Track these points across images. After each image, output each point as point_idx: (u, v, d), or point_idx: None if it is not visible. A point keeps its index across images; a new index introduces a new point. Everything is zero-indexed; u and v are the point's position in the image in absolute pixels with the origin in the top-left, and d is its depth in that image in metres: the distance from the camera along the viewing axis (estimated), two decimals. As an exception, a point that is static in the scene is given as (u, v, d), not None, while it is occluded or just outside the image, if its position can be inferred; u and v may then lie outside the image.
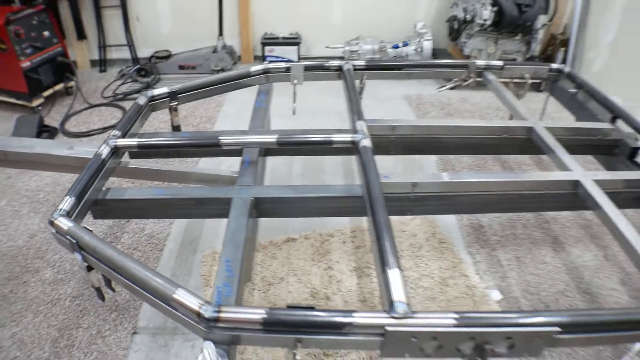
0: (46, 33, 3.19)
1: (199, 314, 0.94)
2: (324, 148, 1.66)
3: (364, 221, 2.17)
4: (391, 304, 0.97)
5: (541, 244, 2.19)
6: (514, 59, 3.70)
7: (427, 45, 3.58)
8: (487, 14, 3.28)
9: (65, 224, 1.20)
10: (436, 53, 3.85)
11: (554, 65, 2.35)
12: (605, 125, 1.96)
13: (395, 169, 2.57)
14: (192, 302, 0.96)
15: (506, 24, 3.36)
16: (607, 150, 1.98)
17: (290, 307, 0.97)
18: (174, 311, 1.00)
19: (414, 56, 3.61)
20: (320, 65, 2.22)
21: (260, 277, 1.85)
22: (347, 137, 1.56)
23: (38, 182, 2.47)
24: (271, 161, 2.60)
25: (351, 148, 1.56)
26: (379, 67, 2.29)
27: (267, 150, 1.77)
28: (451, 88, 2.52)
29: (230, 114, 3.17)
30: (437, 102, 3.39)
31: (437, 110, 3.30)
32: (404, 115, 3.22)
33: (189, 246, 2.04)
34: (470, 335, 0.94)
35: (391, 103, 3.38)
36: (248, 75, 2.14)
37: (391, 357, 1.01)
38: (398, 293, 0.99)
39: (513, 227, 2.27)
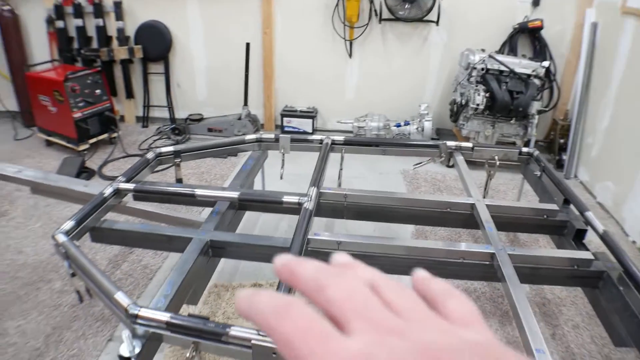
0: (98, 91, 3.78)
1: (126, 310, 1.31)
2: (277, 206, 2.01)
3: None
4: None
5: (489, 316, 2.33)
6: (514, 143, 3.97)
7: (428, 126, 3.92)
8: (479, 99, 3.60)
9: (61, 238, 1.62)
10: (441, 133, 4.20)
11: (524, 149, 2.56)
12: (553, 207, 2.14)
13: (372, 232, 2.85)
14: (124, 301, 1.32)
15: (498, 109, 3.63)
16: (556, 230, 2.17)
17: (190, 315, 1.32)
18: (115, 307, 1.37)
19: (416, 135, 3.96)
20: (304, 139, 2.60)
21: (222, 311, 2.18)
22: (294, 199, 1.91)
23: (69, 212, 2.94)
24: (264, 217, 2.98)
25: (297, 208, 1.91)
26: (355, 143, 2.61)
27: (238, 205, 2.15)
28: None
29: (241, 173, 3.57)
30: (430, 178, 3.69)
31: (428, 185, 3.60)
32: (397, 188, 3.53)
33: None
34: None
35: (388, 177, 3.71)
36: (243, 142, 2.54)
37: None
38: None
39: (466, 297, 2.49)
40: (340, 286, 0.28)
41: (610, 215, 3.31)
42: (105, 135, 3.88)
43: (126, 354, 1.27)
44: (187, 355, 1.27)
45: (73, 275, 1.64)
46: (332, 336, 0.25)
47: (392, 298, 0.28)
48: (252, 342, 1.21)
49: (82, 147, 3.71)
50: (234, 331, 1.23)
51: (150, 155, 2.31)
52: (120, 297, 1.34)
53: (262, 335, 1.22)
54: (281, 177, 2.57)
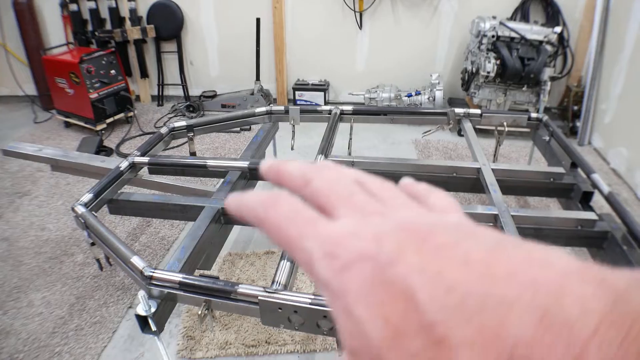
0: (113, 71, 3.85)
1: (141, 272, 1.39)
2: (286, 174, 2.06)
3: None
4: (272, 283, 1.35)
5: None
6: (526, 110, 3.94)
7: (439, 95, 3.92)
8: (490, 66, 3.57)
9: (80, 209, 1.71)
10: (453, 102, 4.19)
11: (533, 115, 2.54)
12: (560, 170, 2.16)
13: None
14: (140, 264, 1.40)
15: (509, 76, 3.61)
16: (563, 193, 2.19)
17: (201, 275, 1.39)
18: (131, 271, 1.45)
19: (427, 105, 3.96)
20: (313, 110, 2.63)
21: (236, 278, 2.27)
22: (302, 167, 1.97)
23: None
24: (276, 189, 3.04)
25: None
26: (364, 112, 2.64)
27: (249, 174, 2.21)
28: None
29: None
30: (442, 147, 3.71)
31: (440, 154, 3.62)
32: (408, 157, 3.55)
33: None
34: (323, 314, 1.23)
35: (400, 146, 3.74)
36: (254, 115, 2.60)
37: (270, 325, 1.37)
38: (280, 276, 1.36)
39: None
40: (325, 178, 0.29)
41: (623, 181, 3.30)
42: (121, 115, 3.96)
43: (142, 313, 1.35)
44: (199, 312, 1.35)
45: (92, 244, 1.73)
46: (319, 219, 0.27)
47: (375, 188, 0.29)
48: (259, 298, 1.28)
49: (100, 127, 3.80)
50: (242, 289, 1.31)
51: (164, 130, 2.38)
52: (136, 261, 1.42)
53: (269, 292, 1.29)
54: (292, 148, 2.63)
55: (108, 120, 3.86)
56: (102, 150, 3.46)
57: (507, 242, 0.23)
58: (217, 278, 1.37)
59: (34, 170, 3.26)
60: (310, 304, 1.25)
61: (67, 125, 4.04)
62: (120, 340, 1.95)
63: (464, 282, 0.21)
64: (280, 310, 1.28)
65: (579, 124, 3.94)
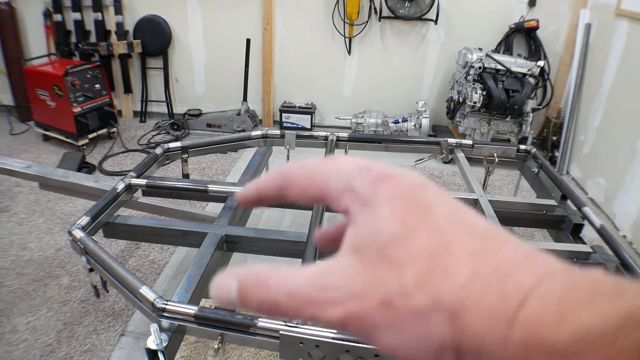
0: (97, 85, 3.77)
1: (153, 304, 1.33)
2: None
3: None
4: (293, 315, 1.32)
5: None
6: (508, 140, 4.05)
7: (425, 122, 3.98)
8: (476, 97, 3.66)
9: (78, 234, 1.64)
10: (437, 129, 4.26)
11: (522, 146, 2.61)
12: (552, 202, 2.22)
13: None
14: (150, 296, 1.35)
15: (495, 107, 3.70)
16: (554, 225, 2.24)
17: (216, 307, 1.35)
18: (139, 302, 1.39)
19: (413, 132, 4.01)
20: (309, 135, 2.63)
21: (232, 303, 2.22)
22: (306, 194, 1.96)
23: (72, 207, 2.96)
24: (267, 213, 3.02)
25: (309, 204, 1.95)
26: (359, 140, 2.67)
27: (248, 200, 2.18)
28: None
29: (241, 169, 3.59)
30: (429, 174, 3.75)
31: (426, 180, 3.65)
32: (395, 183, 3.57)
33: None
34: (345, 348, 1.21)
35: (387, 171, 3.75)
36: (249, 138, 2.58)
37: (288, 359, 1.34)
38: (300, 309, 1.34)
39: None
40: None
41: (601, 211, 3.40)
42: (104, 130, 3.87)
43: (154, 347, 1.30)
44: (215, 346, 1.30)
45: (91, 270, 1.66)
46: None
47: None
48: (280, 332, 1.25)
49: (82, 142, 3.70)
50: (262, 322, 1.27)
51: (158, 150, 2.33)
52: (146, 292, 1.36)
53: (290, 326, 1.26)
54: (285, 172, 2.60)
55: (90, 136, 3.76)
56: (84, 166, 3.35)
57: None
58: (233, 311, 1.33)
59: (11, 185, 3.14)
60: (333, 338, 1.23)
61: (46, 138, 3.91)
62: (113, 370, 1.87)
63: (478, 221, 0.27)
64: (301, 345, 1.25)
65: (557, 154, 4.06)
